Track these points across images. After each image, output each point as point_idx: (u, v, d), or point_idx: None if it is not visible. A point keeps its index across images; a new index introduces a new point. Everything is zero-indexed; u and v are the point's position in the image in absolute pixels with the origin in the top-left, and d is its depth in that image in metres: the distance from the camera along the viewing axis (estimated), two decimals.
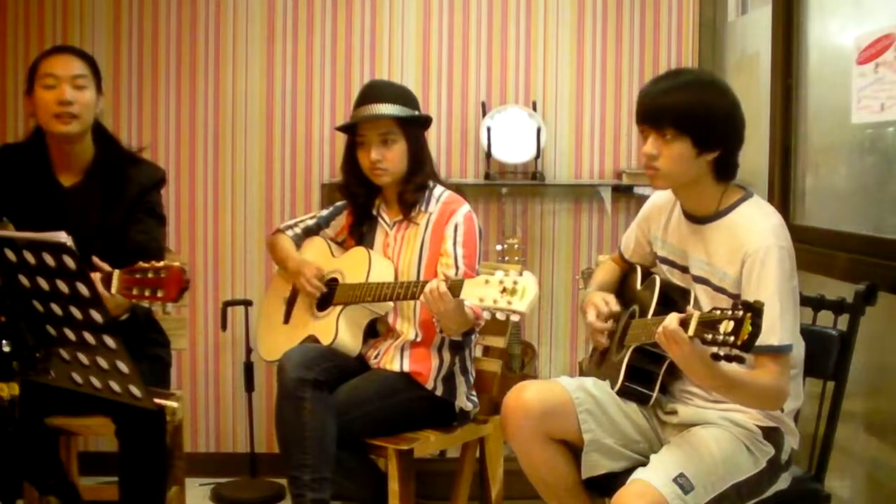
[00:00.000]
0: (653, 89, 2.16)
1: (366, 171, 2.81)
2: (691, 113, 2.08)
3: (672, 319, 1.90)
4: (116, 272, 2.13)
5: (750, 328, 1.74)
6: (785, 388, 2.05)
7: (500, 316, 2.32)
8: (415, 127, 2.82)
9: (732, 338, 1.76)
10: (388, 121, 2.76)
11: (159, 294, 2.04)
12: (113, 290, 2.11)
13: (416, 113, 2.83)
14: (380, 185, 2.83)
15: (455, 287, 2.41)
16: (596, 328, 2.35)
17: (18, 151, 2.67)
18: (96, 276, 2.13)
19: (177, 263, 2.06)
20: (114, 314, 2.28)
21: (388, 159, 2.77)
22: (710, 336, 1.81)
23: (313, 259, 2.93)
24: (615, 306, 2.37)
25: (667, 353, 1.98)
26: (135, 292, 2.08)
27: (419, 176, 2.81)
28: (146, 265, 2.07)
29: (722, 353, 1.81)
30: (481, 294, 2.31)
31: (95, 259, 2.18)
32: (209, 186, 3.78)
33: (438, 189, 2.84)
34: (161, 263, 2.05)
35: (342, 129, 2.89)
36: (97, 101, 2.62)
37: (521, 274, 2.27)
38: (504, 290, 2.26)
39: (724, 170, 2.16)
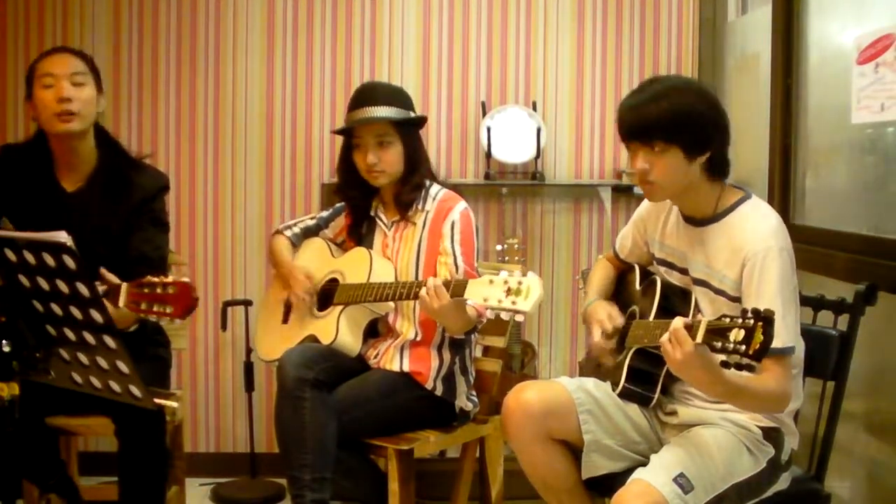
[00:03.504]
0: (632, 103, 2.14)
1: (362, 173, 2.80)
2: (676, 120, 2.07)
3: (678, 322, 1.89)
4: (124, 285, 2.11)
5: (762, 337, 1.73)
6: (788, 389, 2.05)
7: (504, 316, 2.31)
8: (410, 128, 2.82)
9: (743, 346, 1.75)
10: (384, 123, 2.76)
11: (168, 310, 2.02)
12: (121, 304, 2.09)
13: (412, 114, 2.83)
14: (376, 186, 2.83)
15: (459, 287, 2.41)
16: (604, 349, 2.34)
17: (21, 152, 2.65)
18: (102, 289, 2.11)
19: (186, 279, 2.03)
20: (120, 327, 2.27)
21: (385, 161, 2.76)
22: (719, 344, 1.80)
23: (312, 260, 2.93)
24: (619, 321, 2.35)
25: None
26: (142, 307, 2.06)
27: (416, 176, 2.81)
28: (155, 280, 2.04)
29: (732, 362, 1.80)
30: (485, 294, 2.31)
31: (104, 271, 2.16)
32: (209, 186, 3.78)
33: (435, 188, 2.84)
34: (170, 279, 2.03)
35: (338, 132, 2.89)
36: (98, 99, 2.60)
37: (525, 274, 2.27)
38: (508, 291, 2.26)
39: (717, 169, 2.16)
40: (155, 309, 2.04)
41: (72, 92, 2.52)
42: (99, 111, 2.62)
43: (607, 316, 2.36)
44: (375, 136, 2.76)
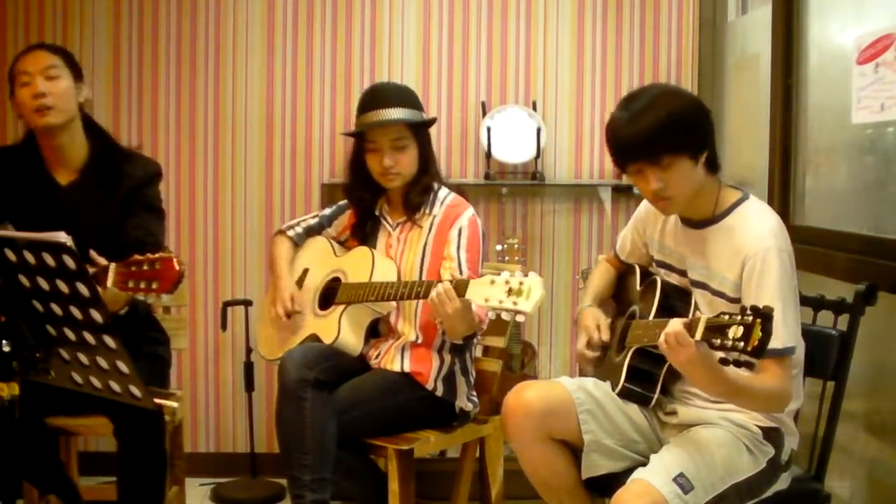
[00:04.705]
0: (624, 124, 2.09)
1: (376, 175, 2.79)
2: (676, 129, 2.06)
3: (676, 323, 1.89)
4: (112, 265, 2.11)
5: (760, 334, 1.73)
6: (788, 390, 2.05)
7: (505, 316, 2.31)
8: (423, 129, 2.81)
9: (742, 343, 1.75)
10: (400, 126, 2.74)
11: (154, 286, 2.02)
12: (109, 284, 2.09)
13: (424, 116, 2.82)
14: (389, 188, 2.82)
15: (460, 287, 2.41)
16: (586, 357, 2.36)
17: (13, 153, 2.68)
18: (92, 271, 2.11)
19: (170, 254, 2.03)
20: (111, 309, 2.28)
21: (402, 164, 2.75)
22: (718, 341, 1.80)
23: (314, 259, 2.93)
24: (606, 335, 2.36)
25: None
26: (130, 285, 2.06)
27: (425, 178, 2.80)
28: (141, 258, 2.05)
29: (731, 359, 1.80)
30: (487, 294, 2.31)
31: (93, 253, 2.16)
32: (209, 186, 3.78)
33: (443, 191, 2.84)
34: (156, 255, 2.03)
35: (351, 134, 2.87)
36: (76, 89, 2.61)
37: (526, 274, 2.27)
38: (510, 291, 2.26)
39: (713, 163, 2.16)
40: (142, 286, 2.03)
41: (45, 86, 2.54)
42: (81, 101, 2.63)
43: (595, 326, 2.37)
44: (391, 138, 2.74)
